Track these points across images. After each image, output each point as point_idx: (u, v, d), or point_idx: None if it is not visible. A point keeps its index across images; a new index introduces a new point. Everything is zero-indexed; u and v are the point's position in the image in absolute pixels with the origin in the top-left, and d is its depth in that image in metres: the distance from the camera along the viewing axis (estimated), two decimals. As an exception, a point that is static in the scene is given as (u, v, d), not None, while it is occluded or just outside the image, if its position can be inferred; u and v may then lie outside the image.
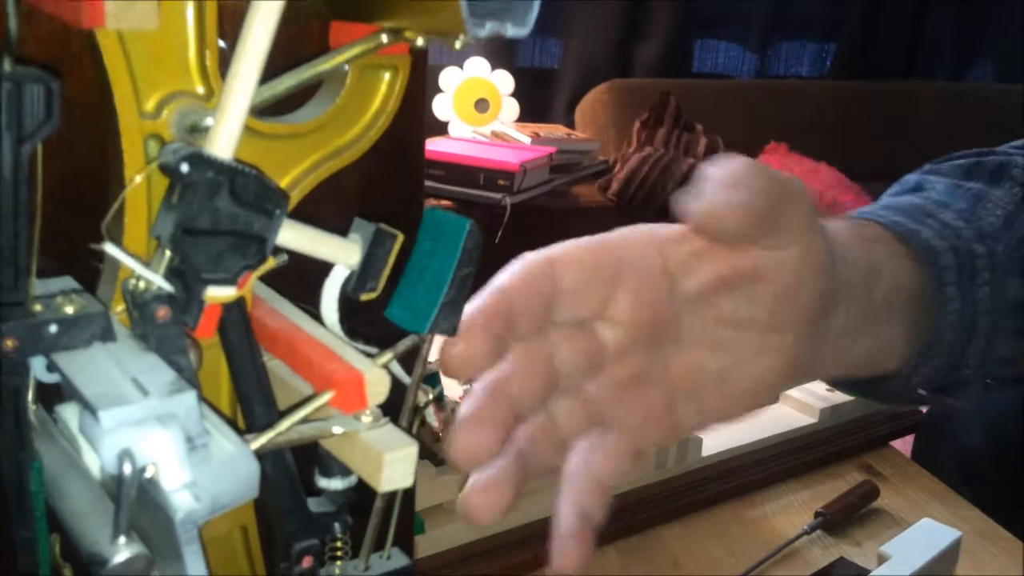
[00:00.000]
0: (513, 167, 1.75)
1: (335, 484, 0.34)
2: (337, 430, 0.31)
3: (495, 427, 0.34)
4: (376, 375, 0.30)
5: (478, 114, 2.06)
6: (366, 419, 0.32)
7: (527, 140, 1.89)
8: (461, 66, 2.07)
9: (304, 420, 0.30)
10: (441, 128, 2.06)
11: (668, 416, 0.40)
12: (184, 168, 0.27)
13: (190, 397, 0.26)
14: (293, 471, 0.33)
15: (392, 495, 0.36)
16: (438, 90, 2.04)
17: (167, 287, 0.28)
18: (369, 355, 0.32)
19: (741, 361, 0.40)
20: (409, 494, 0.48)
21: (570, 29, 2.25)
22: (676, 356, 0.40)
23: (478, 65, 2.10)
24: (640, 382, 0.39)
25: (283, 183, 0.33)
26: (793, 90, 2.31)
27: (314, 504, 0.34)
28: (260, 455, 0.32)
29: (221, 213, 0.28)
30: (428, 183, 1.42)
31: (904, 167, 0.60)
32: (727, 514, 0.87)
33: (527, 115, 2.01)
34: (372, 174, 0.39)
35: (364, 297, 0.33)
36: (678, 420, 0.40)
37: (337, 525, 0.35)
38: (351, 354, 0.31)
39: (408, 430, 0.36)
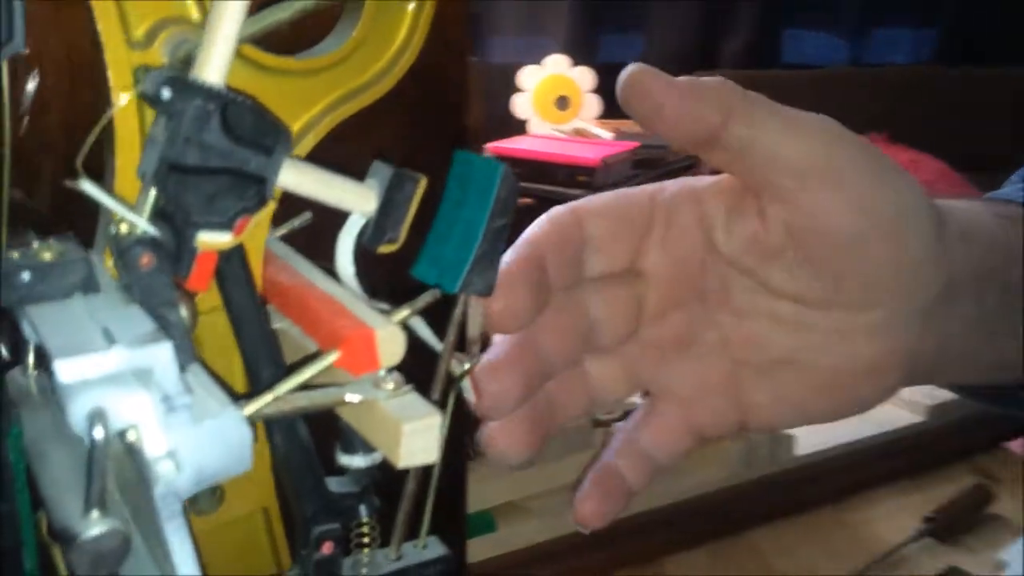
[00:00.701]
0: (594, 162, 1.70)
1: (357, 461, 0.30)
2: (351, 398, 0.27)
3: (518, 376, 0.31)
4: (389, 332, 0.26)
5: (559, 112, 2.02)
6: (387, 386, 0.28)
7: (609, 136, 1.84)
8: (540, 63, 2.03)
9: (311, 385, 0.26)
10: (521, 127, 2.02)
11: (730, 391, 0.35)
12: (166, 94, 0.24)
13: (165, 349, 0.23)
14: (309, 446, 0.30)
15: (426, 475, 0.32)
16: (517, 89, 2.01)
17: (151, 230, 0.25)
18: (387, 313, 0.28)
19: (818, 343, 0.34)
20: (457, 477, 0.44)
21: (652, 23, 2.20)
22: (733, 325, 0.35)
23: (558, 62, 2.06)
24: (687, 346, 0.35)
25: (296, 125, 0.30)
26: (890, 79, 2.20)
27: (335, 484, 0.31)
28: (269, 427, 0.29)
29: (212, 148, 0.25)
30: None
31: (1013, 157, 0.53)
32: (825, 518, 0.82)
33: (610, 111, 1.96)
34: (404, 120, 0.35)
35: (383, 249, 0.29)
36: (746, 400, 0.35)
37: (363, 508, 0.31)
38: (365, 311, 0.27)
39: (441, 403, 0.32)
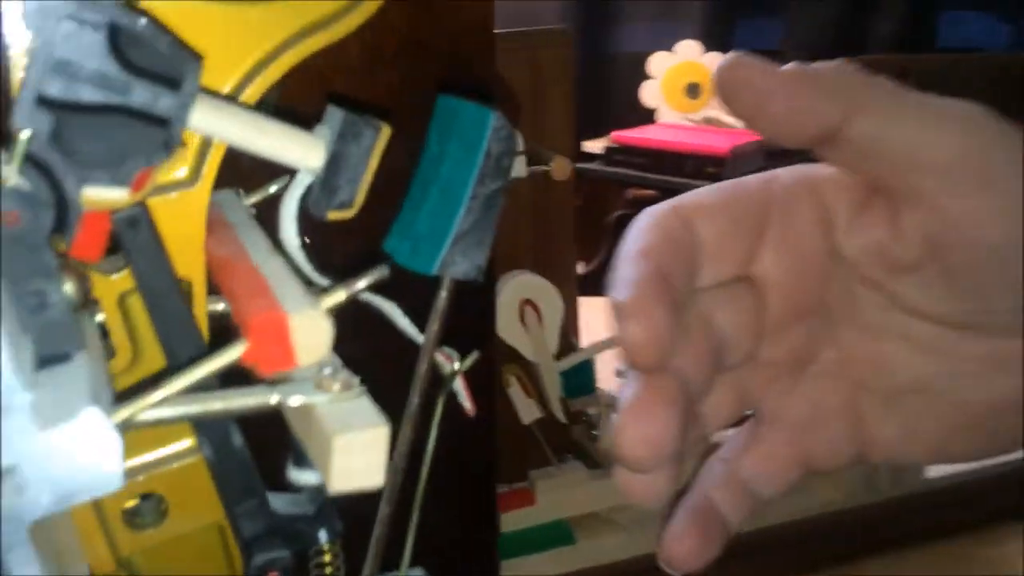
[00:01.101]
0: (722, 152, 1.61)
1: (307, 477, 0.24)
2: (277, 399, 0.21)
3: (674, 414, 0.26)
4: (306, 319, 0.20)
5: (689, 100, 1.92)
6: (332, 387, 0.22)
7: (741, 125, 1.73)
8: (671, 50, 1.94)
9: (226, 383, 0.21)
10: (648, 117, 1.94)
11: (849, 418, 0.31)
12: (31, 6, 0.19)
13: (-13, 330, 0.17)
14: (244, 457, 0.24)
15: (407, 494, 0.26)
16: (646, 76, 1.93)
17: (18, 181, 0.20)
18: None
19: (958, 371, 0.29)
20: (486, 494, 0.38)
21: (793, 6, 2.08)
22: (858, 343, 0.30)
23: (690, 49, 1.97)
24: (804, 365, 0.31)
25: (247, 62, 0.25)
26: (1061, 64, 2.01)
27: (286, 504, 0.25)
28: (201, 438, 0.24)
29: (97, 79, 0.20)
30: (628, 171, 1.32)
31: None
32: (956, 551, 0.74)
33: (745, 100, 1.85)
34: (409, 81, 0.30)
35: (334, 215, 0.23)
36: (867, 430, 0.31)
37: (323, 533, 0.26)
38: (291, 292, 0.21)
39: (423, 409, 0.26)
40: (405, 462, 0.27)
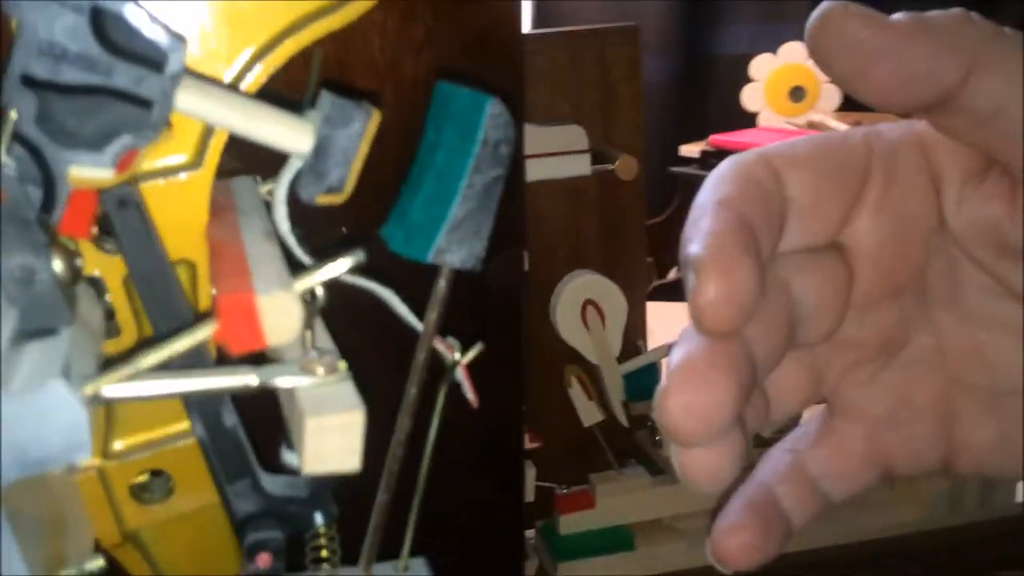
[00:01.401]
0: (821, 156, 1.54)
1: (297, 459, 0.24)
2: (252, 380, 0.21)
3: (734, 385, 0.23)
4: (275, 300, 0.20)
5: (792, 104, 1.87)
6: (318, 371, 0.22)
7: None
8: (775, 52, 1.89)
9: (195, 365, 0.21)
10: (750, 121, 1.89)
11: (938, 417, 0.28)
12: (12, -11, 0.20)
13: (-49, 298, 0.18)
14: (236, 436, 0.24)
15: (404, 483, 0.26)
16: (748, 79, 1.88)
17: (3, 157, 0.21)
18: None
19: None
20: (514, 488, 0.37)
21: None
22: (957, 331, 0.28)
23: (794, 51, 1.91)
24: (892, 351, 0.28)
25: (250, 48, 0.25)
26: None
27: (281, 486, 0.26)
28: (192, 416, 0.24)
29: (82, 60, 0.20)
30: (721, 175, 1.29)
31: None
32: None
33: (850, 103, 1.79)
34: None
35: (322, 200, 0.23)
36: (960, 434, 0.28)
37: (318, 516, 0.26)
38: (268, 273, 0.21)
39: (422, 397, 0.26)
40: (403, 450, 0.27)
